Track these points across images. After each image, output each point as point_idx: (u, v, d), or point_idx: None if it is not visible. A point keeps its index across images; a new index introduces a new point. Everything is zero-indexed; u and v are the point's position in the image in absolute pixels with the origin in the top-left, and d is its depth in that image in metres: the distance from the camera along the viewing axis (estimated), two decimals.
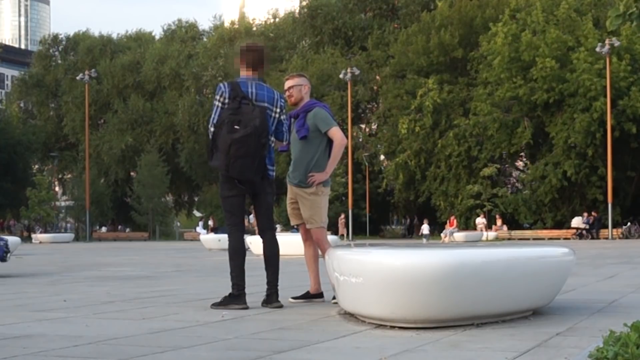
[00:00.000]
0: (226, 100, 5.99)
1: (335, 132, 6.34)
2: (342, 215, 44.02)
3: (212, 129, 5.98)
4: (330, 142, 6.38)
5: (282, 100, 6.30)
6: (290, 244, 11.57)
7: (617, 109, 37.42)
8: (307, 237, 6.56)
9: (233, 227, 6.12)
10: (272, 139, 6.17)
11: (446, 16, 45.25)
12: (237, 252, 6.07)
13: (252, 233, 18.09)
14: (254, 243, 14.79)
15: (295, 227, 6.88)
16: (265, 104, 6.09)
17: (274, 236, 6.29)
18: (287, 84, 6.51)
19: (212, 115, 6.03)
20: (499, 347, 3.99)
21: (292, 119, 6.46)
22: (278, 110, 6.20)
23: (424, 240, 36.79)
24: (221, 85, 6.12)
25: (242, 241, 6.18)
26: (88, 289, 8.52)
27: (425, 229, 40.21)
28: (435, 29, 44.83)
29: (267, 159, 6.05)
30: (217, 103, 6.04)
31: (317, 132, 6.33)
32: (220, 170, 6.01)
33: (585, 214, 38.38)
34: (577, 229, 37.86)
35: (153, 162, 53.79)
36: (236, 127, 5.84)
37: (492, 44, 40.24)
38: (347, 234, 42.67)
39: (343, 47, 53.23)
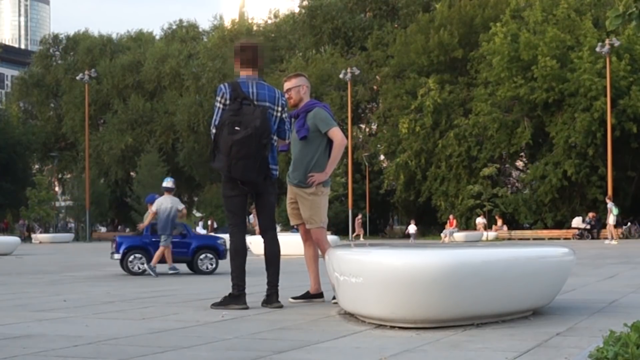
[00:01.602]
0: (227, 102, 5.96)
1: (336, 133, 6.31)
2: (360, 216, 44.22)
3: (213, 131, 5.95)
4: (330, 142, 6.35)
5: (284, 99, 6.27)
6: (290, 244, 11.57)
7: (617, 109, 37.40)
8: (307, 237, 6.55)
9: (235, 228, 6.11)
10: (275, 137, 6.15)
11: (446, 16, 45.21)
12: (239, 253, 6.06)
13: (252, 233, 18.10)
14: (254, 243, 14.80)
15: (295, 227, 6.87)
16: (267, 103, 6.06)
17: (275, 236, 6.28)
18: (285, 86, 6.47)
19: (214, 117, 6.01)
20: (499, 347, 3.98)
21: (292, 119, 6.44)
22: (280, 108, 6.17)
23: (410, 240, 36.70)
24: (222, 86, 6.08)
25: (244, 242, 6.16)
26: (88, 289, 8.52)
27: (411, 228, 40.18)
28: (434, 29, 44.80)
29: (270, 158, 6.03)
30: (218, 104, 6.01)
31: (317, 133, 6.31)
32: (222, 171, 5.99)
33: (590, 214, 38.31)
34: (578, 229, 37.83)
35: (153, 162, 53.73)
36: (237, 128, 5.81)
37: (491, 43, 40.23)
38: (349, 234, 42.48)
39: (343, 47, 53.20)
